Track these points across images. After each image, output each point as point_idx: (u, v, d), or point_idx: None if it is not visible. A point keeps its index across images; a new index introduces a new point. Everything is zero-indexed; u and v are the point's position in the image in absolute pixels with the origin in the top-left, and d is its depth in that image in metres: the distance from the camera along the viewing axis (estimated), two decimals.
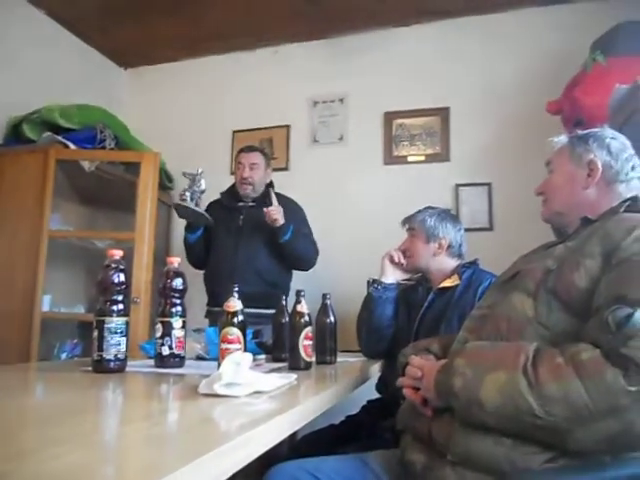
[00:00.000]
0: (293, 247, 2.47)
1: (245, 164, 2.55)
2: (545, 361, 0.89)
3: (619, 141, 1.24)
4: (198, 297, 2.56)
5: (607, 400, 0.81)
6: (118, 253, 1.37)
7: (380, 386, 1.99)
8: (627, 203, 1.12)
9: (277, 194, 2.62)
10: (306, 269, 2.61)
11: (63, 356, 2.83)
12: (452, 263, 1.89)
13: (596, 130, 1.28)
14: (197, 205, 2.40)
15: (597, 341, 0.88)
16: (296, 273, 2.67)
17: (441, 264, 1.88)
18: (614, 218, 1.08)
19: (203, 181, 2.38)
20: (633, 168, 1.20)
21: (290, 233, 2.41)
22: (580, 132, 1.30)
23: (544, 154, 1.37)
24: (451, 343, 1.20)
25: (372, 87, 3.29)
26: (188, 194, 2.38)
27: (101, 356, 1.29)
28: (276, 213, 2.36)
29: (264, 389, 1.02)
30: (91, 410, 0.94)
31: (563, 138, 1.32)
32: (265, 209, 2.38)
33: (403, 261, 1.94)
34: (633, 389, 0.80)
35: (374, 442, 1.50)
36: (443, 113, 3.15)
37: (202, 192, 2.39)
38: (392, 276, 1.96)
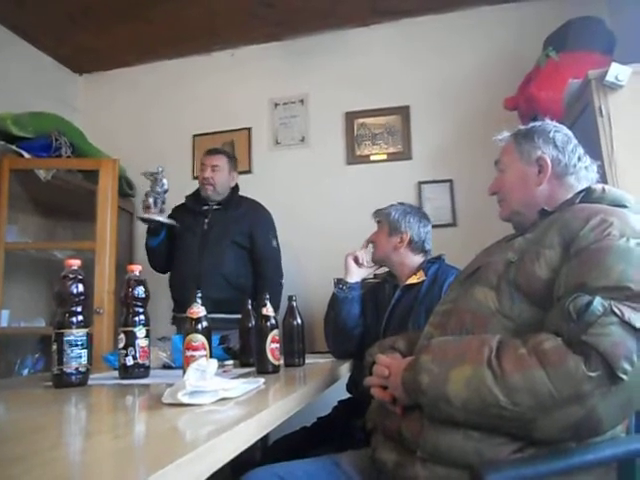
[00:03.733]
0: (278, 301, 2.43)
1: (207, 165, 2.55)
2: (509, 352, 0.90)
3: (562, 133, 1.26)
4: (164, 304, 2.52)
5: (570, 387, 0.83)
6: (75, 263, 1.33)
7: (350, 386, 1.99)
8: (582, 194, 1.15)
9: (245, 198, 2.61)
10: None
11: (25, 372, 2.74)
12: (416, 259, 1.91)
13: (539, 124, 1.30)
14: (163, 204, 2.37)
15: (559, 330, 0.90)
16: None
17: (402, 258, 1.90)
18: (571, 209, 1.11)
19: (165, 180, 2.35)
20: (579, 159, 1.23)
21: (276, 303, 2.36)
22: (522, 127, 1.32)
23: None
24: (416, 339, 1.21)
25: (332, 87, 3.30)
26: (151, 200, 2.34)
27: (62, 370, 1.25)
28: None
29: (231, 395, 1.00)
30: (52, 426, 0.91)
31: (506, 135, 1.34)
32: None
33: (367, 263, 1.95)
34: (594, 375, 0.82)
35: (346, 442, 1.50)
36: (404, 112, 3.18)
37: (165, 192, 2.36)
38: (356, 275, 1.96)
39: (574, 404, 0.83)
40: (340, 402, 2.00)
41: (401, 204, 1.99)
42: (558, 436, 0.88)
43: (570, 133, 1.28)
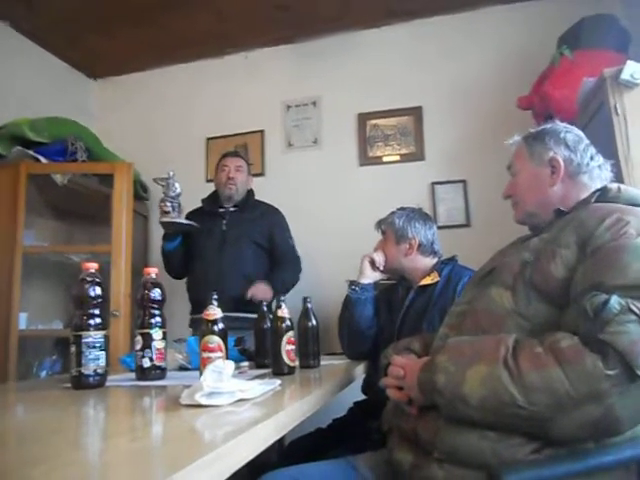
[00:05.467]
0: (287, 290, 2.45)
1: (230, 166, 2.60)
2: (525, 351, 0.90)
3: (574, 133, 1.26)
4: (181, 306, 2.54)
5: (587, 386, 0.83)
6: (93, 266, 1.35)
7: (365, 387, 1.99)
8: (597, 194, 1.15)
9: (260, 201, 2.63)
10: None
11: (42, 374, 2.77)
12: (427, 261, 1.91)
13: (549, 126, 1.29)
14: (179, 209, 2.39)
15: (576, 329, 0.89)
16: None
17: (415, 263, 1.90)
18: (586, 208, 1.10)
19: (177, 184, 2.36)
20: (592, 158, 1.22)
21: (284, 291, 2.35)
22: (532, 130, 1.31)
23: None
24: (431, 341, 1.21)
25: (344, 89, 3.30)
26: (169, 204, 2.35)
27: (80, 372, 1.27)
28: (263, 294, 2.33)
29: (248, 396, 1.01)
30: (71, 427, 0.92)
31: (517, 139, 1.33)
32: (249, 295, 2.34)
33: (382, 266, 1.95)
34: (612, 373, 0.81)
35: (362, 444, 1.50)
36: (416, 112, 3.18)
37: (179, 195, 2.38)
38: (370, 277, 1.96)
39: (592, 403, 0.83)
40: (355, 403, 2.00)
41: (402, 209, 1.99)
42: (576, 436, 0.87)
43: (581, 133, 1.27)
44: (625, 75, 1.85)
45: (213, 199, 2.67)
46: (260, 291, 2.35)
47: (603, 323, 0.85)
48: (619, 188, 1.14)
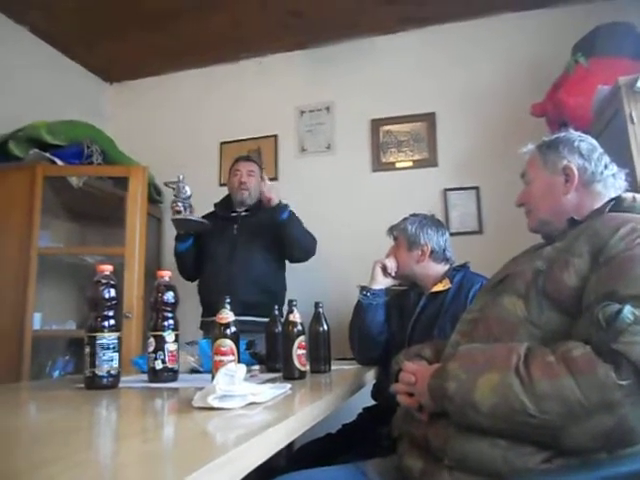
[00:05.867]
0: (291, 229, 2.46)
1: (243, 170, 2.61)
2: (537, 360, 0.90)
3: (587, 142, 1.26)
4: (192, 309, 2.55)
5: (600, 395, 0.82)
6: (107, 268, 1.37)
7: (375, 393, 1.99)
8: (611, 203, 1.14)
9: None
10: (305, 258, 2.60)
11: (55, 374, 2.80)
12: (439, 268, 1.91)
13: (562, 134, 1.29)
14: (191, 209, 2.41)
15: (588, 338, 0.89)
16: (289, 281, 2.66)
17: (427, 270, 1.90)
18: (600, 218, 1.10)
19: (187, 187, 2.38)
20: (606, 166, 1.22)
21: (287, 213, 2.42)
22: (546, 139, 1.31)
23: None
24: (443, 348, 1.21)
25: (358, 95, 3.31)
26: (180, 204, 2.38)
27: (93, 372, 1.29)
28: (269, 191, 2.38)
29: (259, 400, 1.02)
30: (84, 428, 0.93)
31: (531, 147, 1.33)
32: (261, 183, 2.40)
33: (394, 272, 1.95)
34: (624, 383, 0.81)
35: (371, 450, 1.50)
36: (429, 118, 3.18)
37: (189, 197, 2.40)
38: (381, 283, 1.96)
39: (604, 413, 0.82)
40: (365, 409, 2.00)
41: (414, 216, 1.99)
42: (588, 446, 0.87)
43: (595, 142, 1.27)
44: None
45: (226, 203, 2.68)
46: (268, 193, 2.39)
47: (616, 333, 0.85)
48: (634, 197, 1.14)
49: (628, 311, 0.86)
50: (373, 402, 2.00)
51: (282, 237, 2.48)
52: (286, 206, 2.43)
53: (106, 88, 3.81)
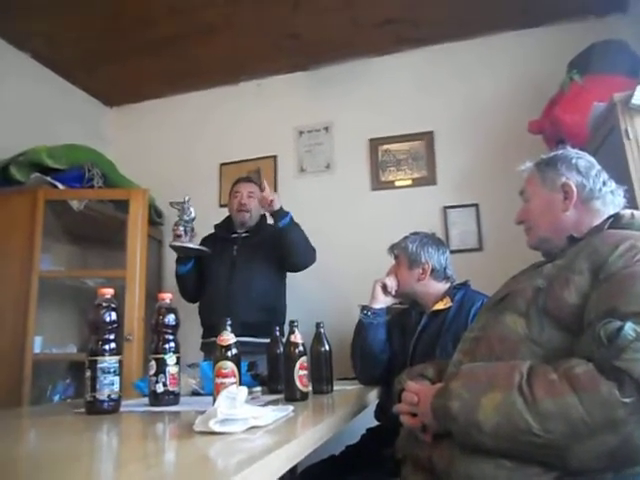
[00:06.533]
0: (291, 235, 2.44)
1: (243, 192, 2.61)
2: (539, 378, 0.90)
3: (585, 159, 1.27)
4: (193, 330, 2.54)
5: (604, 414, 0.82)
6: (109, 292, 1.37)
7: (379, 413, 1.97)
8: (610, 220, 1.15)
9: (270, 225, 2.65)
10: (304, 265, 2.57)
11: (56, 398, 2.78)
12: (440, 286, 1.91)
13: (560, 152, 1.31)
14: (192, 232, 2.41)
15: (590, 355, 0.89)
16: (289, 300, 2.66)
17: (427, 288, 1.90)
18: (600, 235, 1.10)
19: (192, 208, 2.39)
20: (604, 183, 1.23)
21: (289, 219, 2.41)
22: (544, 156, 1.32)
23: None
24: (446, 367, 1.20)
25: (356, 115, 3.34)
26: (181, 228, 2.38)
27: (94, 397, 1.28)
28: (270, 195, 2.37)
29: (261, 423, 1.01)
30: (85, 455, 0.93)
31: (530, 165, 1.34)
32: (260, 193, 2.38)
33: (394, 291, 1.95)
34: (628, 401, 0.81)
35: (375, 472, 1.48)
36: (427, 137, 3.20)
37: (193, 220, 2.40)
38: (382, 302, 1.96)
39: (608, 432, 0.82)
40: (369, 430, 1.98)
41: (415, 234, 2.00)
42: (593, 465, 0.86)
43: (592, 159, 1.28)
44: (636, 100, 1.86)
45: (226, 225, 2.69)
46: (267, 198, 2.37)
47: (618, 350, 0.85)
48: (632, 214, 1.14)
49: (630, 328, 0.86)
50: (376, 422, 1.99)
51: (282, 244, 2.45)
52: (287, 212, 2.42)
53: (107, 112, 3.85)
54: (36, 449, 1.04)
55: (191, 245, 2.42)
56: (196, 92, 3.67)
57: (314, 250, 2.58)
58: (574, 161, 1.25)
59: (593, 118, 2.20)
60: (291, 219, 2.43)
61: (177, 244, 2.40)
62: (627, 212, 1.15)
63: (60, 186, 2.78)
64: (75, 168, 2.85)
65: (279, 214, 2.40)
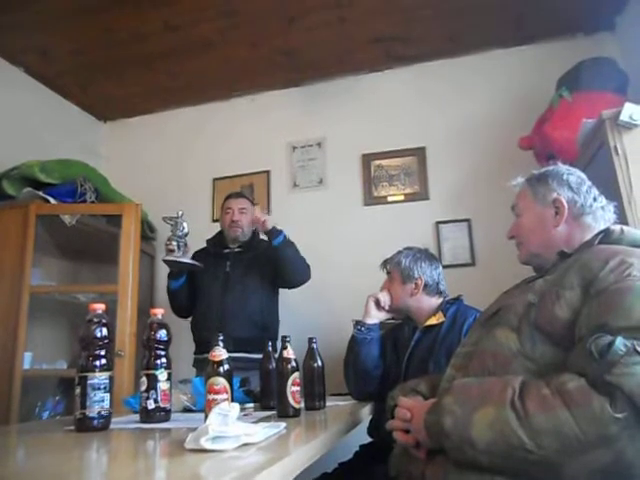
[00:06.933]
0: (286, 253, 2.46)
1: (234, 208, 2.60)
2: (532, 393, 0.90)
3: (576, 175, 1.28)
4: (185, 346, 2.53)
5: (596, 429, 0.82)
6: (100, 307, 1.36)
7: (372, 429, 1.96)
8: (600, 235, 1.15)
9: (264, 240, 2.65)
10: (299, 282, 2.58)
11: (45, 414, 2.75)
12: (432, 301, 1.91)
13: (551, 168, 1.32)
14: (185, 247, 2.40)
15: (582, 370, 0.89)
16: (282, 315, 2.64)
17: (420, 303, 1.90)
18: (590, 250, 1.11)
19: (185, 224, 2.38)
20: (595, 199, 1.24)
21: (282, 237, 2.43)
22: (535, 172, 1.34)
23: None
24: (439, 382, 1.20)
25: (349, 130, 3.36)
26: (175, 243, 2.37)
27: (84, 414, 1.26)
28: (262, 216, 2.41)
29: (253, 441, 1.00)
30: (74, 472, 0.91)
31: (521, 180, 1.36)
32: (252, 208, 2.44)
33: (388, 306, 1.95)
34: (620, 416, 0.81)
35: None
36: (420, 153, 3.22)
37: (186, 235, 2.39)
38: (375, 317, 1.96)
39: (601, 447, 0.82)
40: (362, 446, 1.96)
41: (408, 249, 2.00)
42: None
43: (583, 175, 1.29)
44: (624, 117, 1.88)
45: (218, 240, 2.68)
46: (260, 219, 2.42)
47: (609, 364, 0.85)
48: (622, 230, 1.15)
49: (620, 343, 0.86)
50: (369, 439, 1.97)
51: (276, 261, 2.47)
52: (280, 231, 2.44)
53: (100, 126, 3.86)
54: (25, 468, 1.02)
55: (184, 260, 2.41)
56: (190, 107, 3.70)
57: (309, 267, 2.58)
58: (565, 177, 1.27)
59: (582, 134, 2.23)
60: (285, 237, 2.44)
61: (170, 259, 2.39)
62: (617, 227, 1.16)
63: (52, 201, 2.77)
64: (68, 183, 2.85)
65: (273, 233, 2.42)
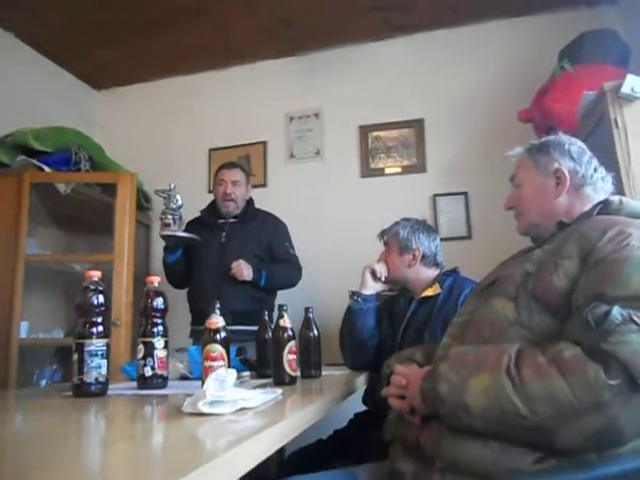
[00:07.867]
0: (273, 285, 2.55)
1: (227, 181, 2.56)
2: (528, 361, 0.90)
3: (577, 145, 1.27)
4: (182, 317, 2.54)
5: (590, 396, 0.83)
6: (96, 274, 1.35)
7: (366, 398, 1.98)
8: (600, 206, 1.15)
9: (260, 210, 2.64)
10: (293, 287, 2.64)
11: (42, 383, 2.77)
12: (430, 272, 1.91)
13: (552, 138, 1.30)
14: (180, 222, 2.38)
15: (578, 339, 0.89)
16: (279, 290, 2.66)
17: (418, 274, 1.90)
18: (588, 220, 1.11)
19: (178, 196, 2.34)
20: (595, 170, 1.23)
21: (264, 279, 2.46)
22: (535, 142, 1.32)
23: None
24: (434, 351, 1.21)
25: (346, 101, 3.32)
26: (170, 217, 2.34)
27: (82, 380, 1.27)
28: (243, 269, 2.40)
29: (249, 405, 1.01)
30: (72, 435, 0.92)
31: (520, 150, 1.34)
32: (232, 266, 2.41)
33: (384, 277, 1.95)
34: (614, 383, 0.81)
35: (363, 455, 1.49)
36: (418, 125, 3.20)
37: (180, 207, 2.36)
38: (371, 288, 1.96)
39: (594, 413, 0.83)
40: (356, 415, 1.99)
41: (406, 220, 1.99)
42: (580, 446, 0.87)
43: (584, 145, 1.28)
44: (625, 89, 1.86)
45: (212, 210, 2.65)
46: (239, 270, 2.40)
47: (605, 333, 0.85)
48: (621, 200, 1.15)
49: (617, 312, 0.86)
50: (364, 407, 2.00)
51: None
52: (260, 274, 2.46)
53: (95, 95, 3.80)
54: (22, 429, 1.03)
55: (182, 234, 2.39)
56: (186, 75, 3.64)
57: (299, 273, 2.63)
58: (567, 147, 1.25)
59: (583, 107, 2.21)
60: (266, 278, 2.48)
61: (167, 233, 2.36)
62: (616, 198, 1.16)
63: (46, 169, 2.74)
64: (62, 151, 2.81)
65: (255, 279, 2.44)
